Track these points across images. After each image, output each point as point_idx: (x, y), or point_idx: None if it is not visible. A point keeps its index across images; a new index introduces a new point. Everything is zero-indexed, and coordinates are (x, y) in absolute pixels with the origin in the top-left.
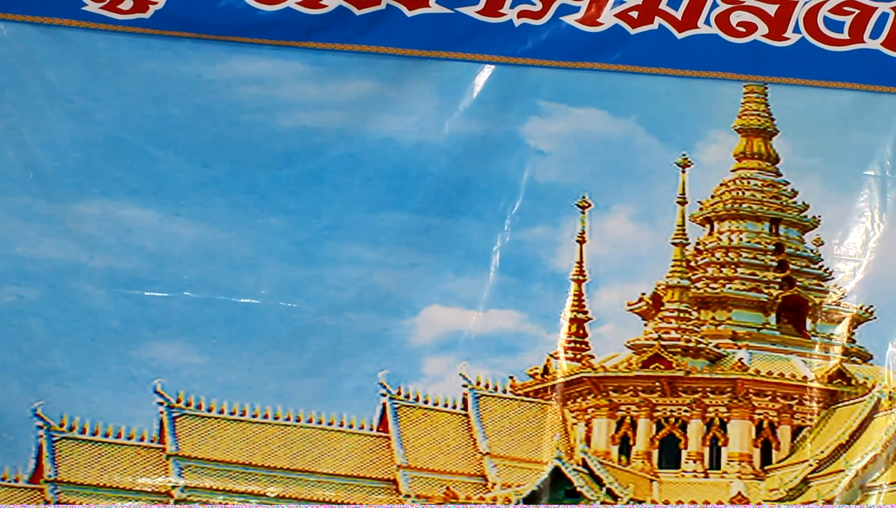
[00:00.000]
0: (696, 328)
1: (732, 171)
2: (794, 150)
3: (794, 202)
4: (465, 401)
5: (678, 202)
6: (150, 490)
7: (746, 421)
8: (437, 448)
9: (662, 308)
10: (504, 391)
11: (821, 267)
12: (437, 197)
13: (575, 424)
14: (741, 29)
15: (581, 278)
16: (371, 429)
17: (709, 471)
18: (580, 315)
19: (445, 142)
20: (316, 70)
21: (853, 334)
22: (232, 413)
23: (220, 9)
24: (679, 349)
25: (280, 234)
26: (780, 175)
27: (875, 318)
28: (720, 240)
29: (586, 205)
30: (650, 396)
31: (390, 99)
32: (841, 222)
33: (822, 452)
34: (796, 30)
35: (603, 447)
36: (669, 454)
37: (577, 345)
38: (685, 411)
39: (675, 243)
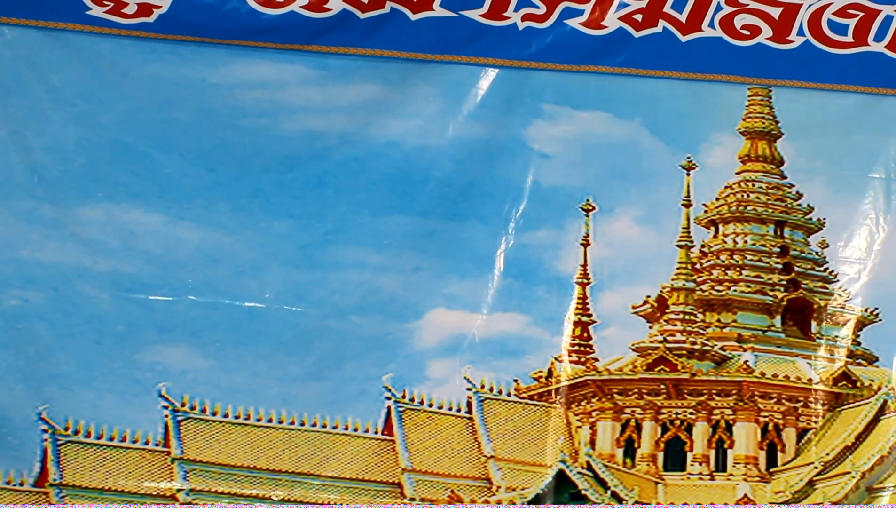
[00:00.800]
0: (701, 331)
1: (737, 173)
2: (799, 152)
3: (799, 205)
4: (469, 404)
5: (683, 205)
6: (154, 493)
7: (752, 424)
8: (442, 451)
9: (667, 311)
10: (508, 395)
11: (826, 269)
12: (441, 201)
13: (579, 427)
14: (745, 32)
15: (585, 281)
16: (376, 433)
17: (714, 474)
18: (584, 318)
19: (449, 145)
20: (320, 74)
21: (858, 336)
22: (237, 417)
23: (224, 13)
24: (684, 352)
25: (284, 238)
26: (785, 178)
27: (880, 320)
28: (725, 242)
29: (590, 208)
30: (655, 398)
31: (394, 103)
32: (846, 224)
33: (828, 454)
34: (800, 32)
35: (608, 449)
36: (675, 456)
37: (582, 348)
38: (690, 413)
39: (679, 246)
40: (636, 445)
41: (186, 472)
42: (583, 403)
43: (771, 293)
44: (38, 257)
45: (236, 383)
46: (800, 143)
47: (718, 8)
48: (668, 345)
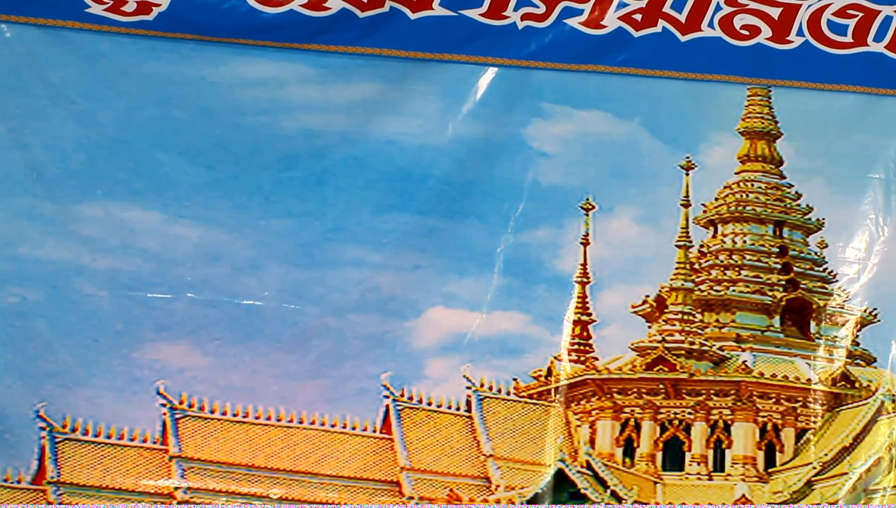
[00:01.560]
0: (699, 331)
1: (736, 173)
2: (798, 152)
3: (798, 205)
4: (468, 403)
5: (682, 205)
6: (152, 491)
7: (750, 424)
8: (441, 450)
9: (666, 311)
10: (508, 394)
11: (825, 270)
12: (441, 199)
13: (579, 426)
14: (745, 32)
15: (585, 280)
16: (374, 431)
17: (712, 474)
18: (584, 317)
19: (449, 144)
20: (319, 72)
21: (857, 336)
22: (235, 415)
23: (224, 11)
24: (683, 352)
25: (283, 236)
26: (784, 178)
27: (879, 321)
28: (724, 242)
29: (590, 207)
30: (654, 398)
31: (393, 101)
32: (845, 224)
33: (826, 455)
34: (800, 33)
35: (607, 449)
36: (673, 456)
37: (581, 347)
38: (689, 413)
39: (678, 246)
40: (635, 444)
41: (184, 470)
42: (582, 402)
43: (770, 293)
44: (37, 254)
45: (235, 381)
46: (799, 143)
47: (718, 8)
48: (666, 345)
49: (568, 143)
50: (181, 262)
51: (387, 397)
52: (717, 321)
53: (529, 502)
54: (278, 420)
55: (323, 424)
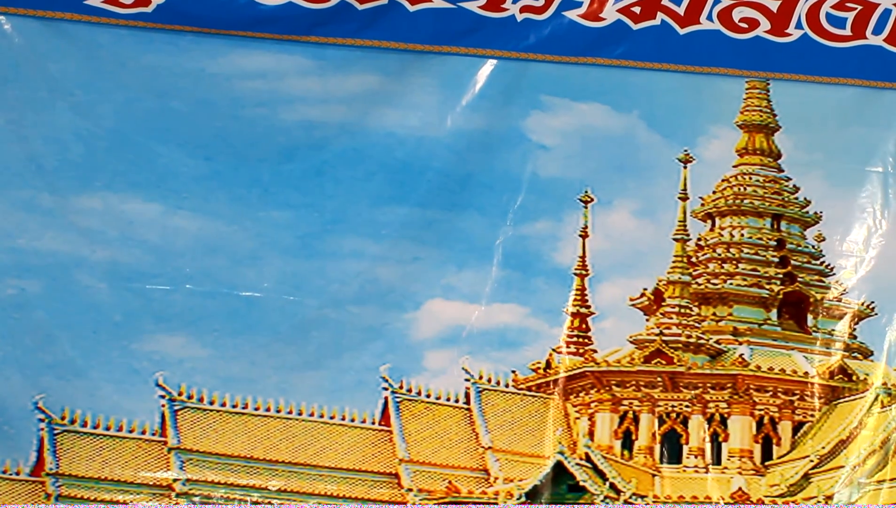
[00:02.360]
0: (697, 324)
1: (734, 166)
2: (797, 146)
3: (796, 198)
4: (467, 395)
5: (680, 198)
6: (151, 483)
7: (747, 417)
8: (440, 442)
9: (663, 304)
10: (506, 386)
11: (822, 263)
12: (440, 191)
13: (577, 418)
14: (743, 25)
15: (583, 272)
16: (373, 423)
17: (710, 466)
18: (582, 310)
19: (448, 136)
20: (318, 64)
21: (854, 330)
22: (234, 407)
23: (223, 3)
24: (680, 345)
25: (282, 227)
26: (782, 171)
27: (876, 314)
28: (721, 236)
29: (589, 200)
30: (652, 391)
31: (393, 93)
32: (843, 218)
33: (823, 448)
34: (798, 25)
35: (606, 441)
36: (671, 449)
37: (580, 339)
38: (686, 406)
39: (676, 239)
40: (634, 437)
41: (183, 461)
42: (581, 394)
43: (767, 287)
44: (36, 246)
45: (234, 372)
46: (797, 136)
47: (717, 1)
48: (663, 338)
49: (567, 135)
50: (180, 253)
51: (386, 388)
52: (715, 314)
53: (528, 494)
54: (277, 412)
55: (322, 416)
